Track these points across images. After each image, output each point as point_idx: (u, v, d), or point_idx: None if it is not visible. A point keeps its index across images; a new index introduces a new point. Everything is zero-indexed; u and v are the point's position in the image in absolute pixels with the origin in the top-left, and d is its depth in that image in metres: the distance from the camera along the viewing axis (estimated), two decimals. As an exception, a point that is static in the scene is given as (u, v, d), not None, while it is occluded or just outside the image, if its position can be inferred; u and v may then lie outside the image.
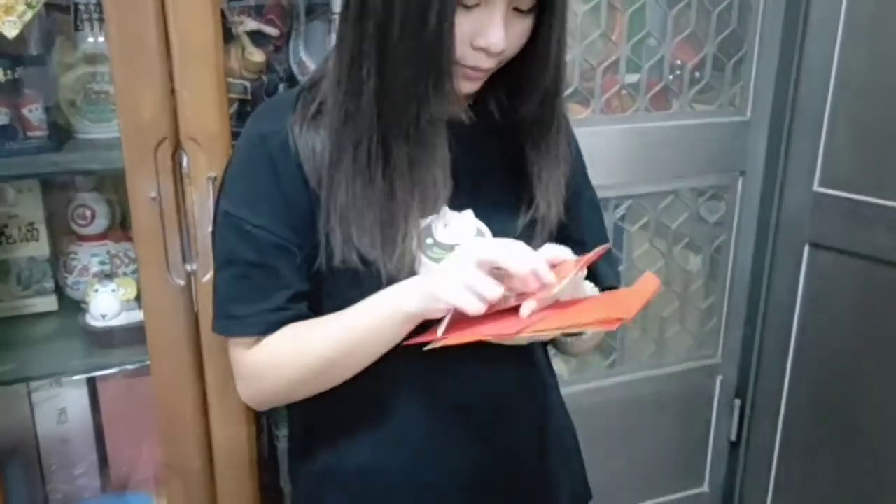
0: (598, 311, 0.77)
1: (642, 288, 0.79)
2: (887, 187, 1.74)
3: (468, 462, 0.94)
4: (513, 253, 0.78)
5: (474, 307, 0.77)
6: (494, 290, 0.77)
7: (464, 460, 0.94)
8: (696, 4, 1.85)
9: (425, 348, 0.80)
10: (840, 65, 1.79)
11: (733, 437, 2.22)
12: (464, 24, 0.78)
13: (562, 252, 0.84)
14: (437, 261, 0.86)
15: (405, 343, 0.83)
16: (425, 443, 0.92)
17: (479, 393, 0.94)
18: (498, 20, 0.78)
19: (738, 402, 2.19)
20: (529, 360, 0.99)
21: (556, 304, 0.81)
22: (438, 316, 0.80)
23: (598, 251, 0.83)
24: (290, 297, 0.86)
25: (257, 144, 0.86)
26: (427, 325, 0.84)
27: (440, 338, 0.80)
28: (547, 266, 0.78)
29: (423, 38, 0.76)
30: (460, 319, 0.80)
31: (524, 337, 0.79)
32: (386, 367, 0.86)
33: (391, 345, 0.84)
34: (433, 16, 0.75)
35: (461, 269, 0.78)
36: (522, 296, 0.80)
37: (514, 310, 0.80)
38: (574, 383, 2.01)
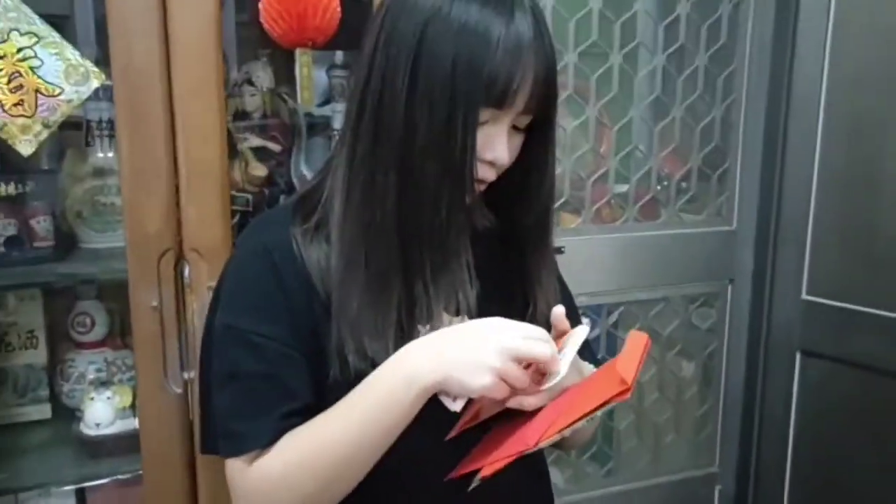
0: (601, 391, 0.75)
1: (633, 347, 0.77)
2: (874, 296, 1.77)
3: None
4: (543, 345, 0.79)
5: (504, 394, 0.78)
6: (524, 380, 0.78)
7: None
8: (680, 121, 1.94)
9: (470, 489, 0.80)
10: (821, 175, 1.85)
11: (735, 549, 2.17)
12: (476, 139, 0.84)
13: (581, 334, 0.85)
14: None
15: (446, 479, 0.82)
16: None
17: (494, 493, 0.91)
18: (504, 136, 0.85)
19: (737, 512, 2.16)
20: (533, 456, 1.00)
21: (560, 393, 0.81)
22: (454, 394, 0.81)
23: (580, 331, 0.85)
24: (298, 409, 0.83)
25: (260, 255, 0.86)
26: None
27: (472, 470, 0.81)
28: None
29: (450, 153, 0.80)
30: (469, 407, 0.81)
31: (547, 441, 0.78)
32: (399, 478, 0.85)
33: (407, 421, 0.80)
34: (458, 132, 0.80)
35: (488, 356, 0.77)
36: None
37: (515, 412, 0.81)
38: (570, 493, 1.98)
